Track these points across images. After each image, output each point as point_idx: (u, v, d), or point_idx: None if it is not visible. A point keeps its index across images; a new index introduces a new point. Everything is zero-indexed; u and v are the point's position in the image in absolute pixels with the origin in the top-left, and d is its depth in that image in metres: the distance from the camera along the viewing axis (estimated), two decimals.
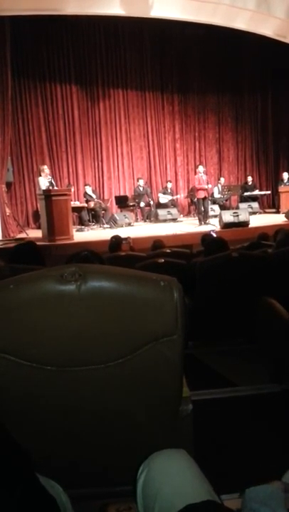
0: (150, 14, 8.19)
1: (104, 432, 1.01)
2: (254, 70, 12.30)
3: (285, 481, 0.78)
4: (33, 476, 0.69)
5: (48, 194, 7.35)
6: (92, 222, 9.97)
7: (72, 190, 8.98)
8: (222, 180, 11.71)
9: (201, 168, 9.34)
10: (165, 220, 10.03)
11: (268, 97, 12.70)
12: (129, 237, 5.83)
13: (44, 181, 7.76)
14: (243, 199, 11.42)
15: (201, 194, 9.17)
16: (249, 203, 10.98)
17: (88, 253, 2.17)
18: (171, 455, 0.89)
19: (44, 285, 0.86)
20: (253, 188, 11.81)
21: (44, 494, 0.69)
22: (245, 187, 11.76)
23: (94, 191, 10.44)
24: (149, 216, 10.59)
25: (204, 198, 9.22)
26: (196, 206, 10.01)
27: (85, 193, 10.17)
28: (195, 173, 9.81)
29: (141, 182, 10.79)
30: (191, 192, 10.91)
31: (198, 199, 9.41)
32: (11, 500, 0.59)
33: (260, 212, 11.16)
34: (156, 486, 0.82)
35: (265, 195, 12.29)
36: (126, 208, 10.67)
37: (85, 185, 10.43)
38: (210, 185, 9.34)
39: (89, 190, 10.24)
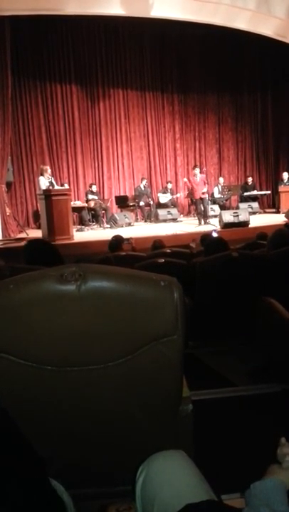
0: (150, 14, 8.18)
1: (104, 432, 1.01)
2: (254, 69, 12.29)
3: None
4: (44, 476, 0.70)
5: (48, 194, 7.35)
6: (93, 222, 9.97)
7: (66, 186, 8.98)
8: (221, 180, 11.70)
9: (196, 170, 9.34)
10: (165, 220, 10.03)
11: (268, 96, 12.69)
12: (131, 238, 5.82)
13: (44, 181, 7.76)
14: (243, 199, 11.40)
15: (197, 195, 9.18)
16: (249, 203, 10.97)
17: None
18: (170, 456, 0.90)
19: (44, 285, 0.86)
20: (253, 188, 11.80)
21: (53, 495, 0.70)
22: (245, 187, 11.75)
23: (96, 191, 10.44)
24: (149, 216, 10.58)
25: (202, 198, 9.23)
26: (196, 206, 10.01)
27: (91, 192, 10.15)
28: (192, 174, 9.78)
29: (144, 182, 10.80)
30: (191, 190, 10.91)
31: (196, 199, 9.43)
32: (23, 499, 0.60)
33: (260, 212, 11.14)
34: (155, 487, 0.82)
35: (265, 195, 12.28)
36: (126, 207, 10.67)
37: (91, 184, 10.41)
38: (205, 189, 9.30)
39: (95, 189, 10.25)
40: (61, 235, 7.26)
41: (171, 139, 12.08)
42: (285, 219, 9.21)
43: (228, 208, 10.72)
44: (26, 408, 0.95)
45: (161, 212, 10.26)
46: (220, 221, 8.62)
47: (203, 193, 9.13)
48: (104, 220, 9.98)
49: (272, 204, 12.28)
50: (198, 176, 9.19)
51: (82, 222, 9.93)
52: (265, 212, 11.42)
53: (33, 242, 2.68)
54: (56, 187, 7.93)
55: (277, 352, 2.21)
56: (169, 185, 11.22)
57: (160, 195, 11.10)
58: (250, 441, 1.66)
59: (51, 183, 7.74)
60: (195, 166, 9.97)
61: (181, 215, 10.92)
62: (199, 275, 2.83)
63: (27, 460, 0.68)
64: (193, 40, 11.46)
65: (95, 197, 10.12)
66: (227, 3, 8.02)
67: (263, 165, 13.01)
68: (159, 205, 10.80)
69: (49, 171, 8.17)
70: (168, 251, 4.09)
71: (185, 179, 10.64)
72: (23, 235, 8.41)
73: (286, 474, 0.75)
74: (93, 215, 10.01)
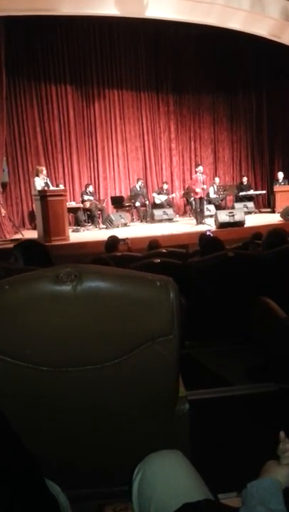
0: (145, 14, 8.20)
1: (101, 432, 1.01)
2: (249, 69, 12.31)
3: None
4: (38, 476, 0.70)
5: (43, 195, 7.33)
6: (88, 222, 9.96)
7: (62, 187, 8.97)
8: (217, 180, 11.72)
9: (200, 168, 9.32)
10: (161, 220, 10.03)
11: (263, 96, 12.73)
12: (127, 238, 5.82)
13: (40, 182, 7.75)
14: (239, 199, 11.43)
15: (198, 194, 9.19)
16: (244, 203, 11.00)
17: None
18: (166, 456, 0.90)
19: (40, 286, 0.86)
20: (248, 187, 11.83)
21: (47, 495, 0.70)
22: (241, 187, 11.78)
23: (91, 192, 10.41)
24: (145, 216, 10.59)
25: (200, 198, 9.23)
26: (192, 206, 10.01)
27: (87, 192, 10.10)
28: (194, 172, 9.76)
29: (140, 182, 10.80)
30: (187, 190, 10.93)
31: (194, 199, 9.42)
32: (12, 500, 0.60)
33: (256, 212, 11.18)
34: (152, 487, 0.82)
35: (260, 194, 12.32)
36: (122, 208, 10.67)
37: (87, 184, 10.36)
38: (204, 186, 9.29)
39: (91, 189, 10.22)
40: (57, 236, 7.25)
41: (167, 139, 12.08)
42: (280, 218, 9.25)
43: (224, 208, 10.75)
44: (23, 409, 0.95)
45: (157, 212, 10.26)
46: (215, 221, 8.64)
47: (197, 193, 9.12)
48: (100, 220, 9.97)
49: (267, 204, 12.31)
50: (200, 175, 9.16)
51: (77, 222, 9.92)
52: (260, 212, 11.45)
53: (29, 242, 2.67)
54: (52, 188, 7.92)
55: (274, 351, 2.21)
56: (165, 186, 11.23)
57: (155, 195, 11.11)
58: (246, 440, 1.67)
59: (46, 184, 7.73)
60: (198, 165, 9.96)
61: (177, 215, 10.93)
62: (195, 275, 2.84)
63: (19, 460, 0.68)
64: (188, 41, 11.48)
65: (91, 197, 10.10)
66: (221, 3, 8.04)
67: (258, 165, 13.05)
68: (155, 206, 10.80)
69: (44, 171, 8.15)
70: (164, 251, 4.09)
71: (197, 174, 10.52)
72: (18, 236, 8.39)
73: (283, 471, 0.75)
74: (89, 216, 10.00)
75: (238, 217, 8.48)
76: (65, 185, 10.11)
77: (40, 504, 0.67)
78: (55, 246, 6.92)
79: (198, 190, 9.05)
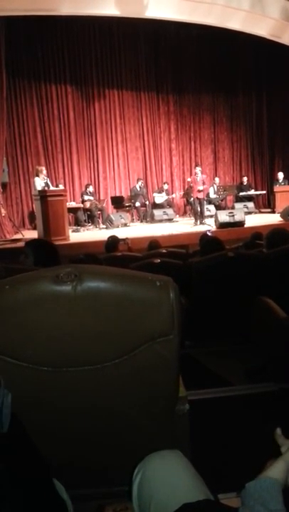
0: (145, 14, 8.20)
1: (101, 432, 1.01)
2: (249, 69, 12.32)
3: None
4: (47, 476, 0.70)
5: (43, 195, 7.33)
6: (88, 222, 9.96)
7: (61, 187, 8.95)
8: (217, 180, 11.72)
9: (197, 169, 9.34)
10: (161, 221, 10.04)
11: (263, 96, 12.74)
12: (127, 238, 5.82)
13: (40, 182, 7.75)
14: (239, 199, 11.44)
15: (197, 194, 9.20)
16: (244, 203, 11.01)
17: (83, 256, 2.18)
18: (166, 456, 0.90)
19: (40, 286, 0.86)
20: (248, 187, 11.83)
21: (56, 495, 0.70)
22: (241, 187, 11.78)
23: (91, 192, 10.40)
24: (145, 216, 10.59)
25: (200, 198, 9.24)
26: (192, 206, 10.03)
27: (87, 192, 10.09)
28: (194, 172, 9.79)
29: (140, 182, 10.81)
30: (187, 190, 10.94)
31: (194, 199, 9.43)
32: (23, 500, 0.60)
33: (256, 212, 11.18)
34: (152, 487, 0.82)
35: (260, 195, 12.32)
36: (122, 208, 10.67)
37: (88, 185, 10.35)
38: (201, 188, 9.27)
39: (91, 190, 10.21)
40: (57, 236, 7.25)
41: (167, 139, 12.08)
42: (281, 219, 9.26)
43: (224, 208, 10.75)
44: (23, 409, 0.95)
45: (157, 212, 10.27)
46: (216, 221, 8.64)
47: (199, 191, 9.12)
48: (100, 220, 9.97)
49: (267, 204, 12.32)
50: (198, 175, 9.17)
51: (77, 222, 9.92)
52: (260, 212, 11.46)
53: (40, 241, 2.68)
54: (52, 188, 7.92)
55: (274, 351, 2.21)
56: (165, 186, 11.23)
57: (156, 195, 11.11)
58: (246, 440, 1.67)
59: (47, 184, 7.73)
60: (196, 165, 9.99)
61: (177, 216, 10.93)
62: (195, 275, 2.84)
63: (29, 461, 0.68)
64: (188, 41, 11.48)
65: (91, 197, 10.10)
66: (221, 3, 8.04)
67: (258, 165, 13.05)
68: (155, 206, 10.80)
69: (44, 171, 8.15)
70: (164, 251, 4.09)
71: (189, 179, 10.61)
72: (18, 236, 8.39)
73: (279, 466, 0.75)
74: (89, 216, 10.00)
75: (238, 218, 8.48)
76: (65, 185, 10.10)
77: (50, 504, 0.67)
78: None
79: (200, 188, 9.07)
